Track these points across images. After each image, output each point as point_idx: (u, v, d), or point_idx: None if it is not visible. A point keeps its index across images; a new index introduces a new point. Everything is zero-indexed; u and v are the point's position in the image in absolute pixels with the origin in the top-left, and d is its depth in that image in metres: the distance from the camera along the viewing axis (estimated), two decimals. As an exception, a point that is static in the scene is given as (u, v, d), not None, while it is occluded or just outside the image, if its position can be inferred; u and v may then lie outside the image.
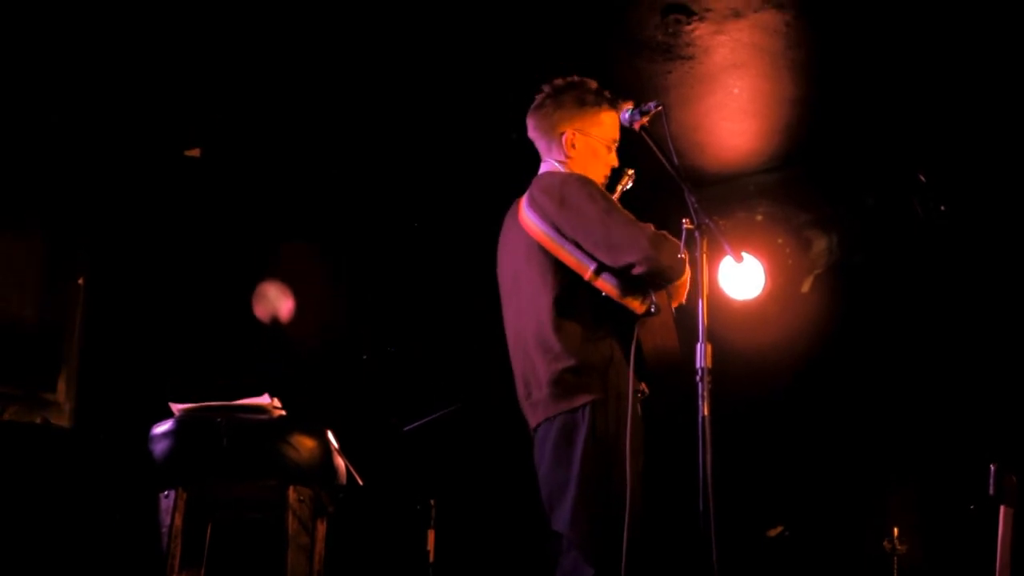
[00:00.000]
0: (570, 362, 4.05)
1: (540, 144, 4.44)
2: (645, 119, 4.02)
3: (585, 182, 4.17)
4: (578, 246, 4.08)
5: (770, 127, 6.52)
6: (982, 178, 6.59)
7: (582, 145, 4.32)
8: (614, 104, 4.29)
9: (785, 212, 7.20)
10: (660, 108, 4.00)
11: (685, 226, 3.85)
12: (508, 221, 4.43)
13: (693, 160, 6.83)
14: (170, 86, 5.88)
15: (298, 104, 6.17)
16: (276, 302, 6.62)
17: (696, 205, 3.81)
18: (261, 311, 6.57)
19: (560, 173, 4.29)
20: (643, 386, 4.15)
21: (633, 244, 3.96)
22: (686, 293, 4.22)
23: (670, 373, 4.13)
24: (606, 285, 4.06)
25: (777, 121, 6.43)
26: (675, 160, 3.98)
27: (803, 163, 6.95)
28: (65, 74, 5.69)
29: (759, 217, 7.23)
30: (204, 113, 6.17)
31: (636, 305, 4.06)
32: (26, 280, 5.86)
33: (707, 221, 3.79)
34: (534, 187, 4.27)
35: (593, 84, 4.34)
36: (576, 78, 4.38)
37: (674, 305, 4.23)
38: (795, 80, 5.96)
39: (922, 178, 6.67)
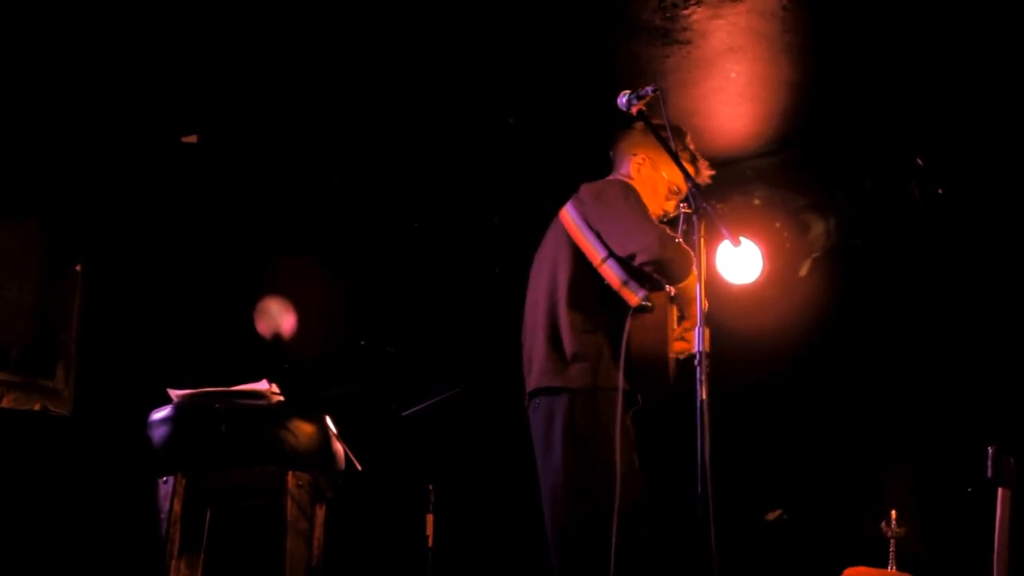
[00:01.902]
0: (565, 346, 4.18)
1: (615, 159, 4.62)
2: (642, 103, 4.04)
3: (626, 186, 4.35)
4: (599, 237, 4.21)
5: (767, 111, 6.51)
6: (979, 161, 6.59)
7: (647, 175, 4.49)
8: (695, 162, 4.41)
9: (783, 196, 7.20)
10: (657, 92, 4.01)
11: (683, 210, 3.91)
12: (553, 222, 4.54)
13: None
14: (167, 75, 5.86)
15: (296, 92, 6.16)
16: (278, 318, 6.62)
17: (694, 189, 3.83)
18: (263, 327, 6.57)
19: (613, 180, 4.48)
20: (638, 397, 4.23)
21: (642, 235, 4.08)
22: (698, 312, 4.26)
23: (654, 374, 4.16)
24: (609, 272, 4.16)
25: (774, 105, 6.42)
26: (672, 145, 4.01)
27: (801, 147, 6.95)
28: (62, 62, 5.68)
29: (757, 201, 7.23)
30: (201, 101, 6.17)
31: (630, 296, 4.11)
32: (24, 268, 5.86)
33: (705, 205, 3.81)
34: (584, 186, 4.42)
35: (687, 136, 4.45)
36: (676, 126, 4.40)
37: (685, 325, 4.26)
38: (792, 64, 5.95)
39: (919, 161, 6.67)
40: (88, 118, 6.07)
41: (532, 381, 4.28)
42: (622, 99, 4.06)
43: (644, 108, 4.05)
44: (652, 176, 4.48)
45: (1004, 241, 6.57)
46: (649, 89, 4.03)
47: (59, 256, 6.00)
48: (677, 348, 4.28)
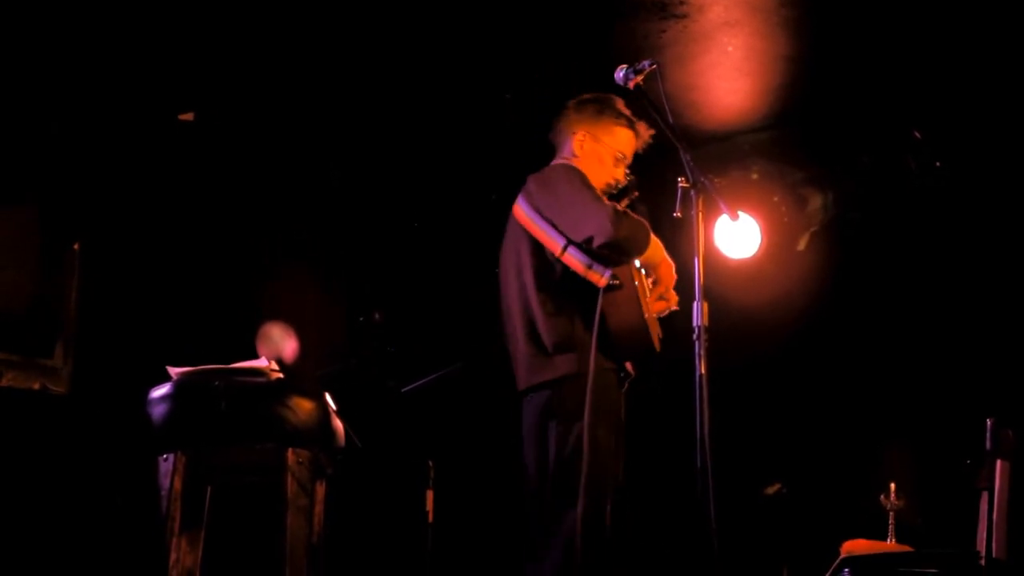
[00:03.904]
0: (544, 339, 4.24)
1: (557, 143, 4.64)
2: (640, 78, 4.04)
3: (570, 169, 4.38)
4: (554, 226, 4.24)
5: (764, 85, 6.51)
6: (977, 135, 6.59)
7: (590, 149, 4.52)
8: (632, 125, 4.51)
9: (780, 170, 7.20)
10: (655, 67, 4.01)
11: (681, 185, 3.89)
12: (509, 218, 4.56)
13: (688, 119, 6.81)
14: (166, 58, 5.86)
15: (296, 78, 6.15)
16: (280, 343, 6.60)
17: (691, 164, 3.84)
18: (265, 352, 6.55)
19: (556, 165, 4.49)
20: (628, 366, 4.25)
21: (592, 218, 4.11)
22: (672, 276, 4.31)
23: (639, 346, 4.20)
24: (572, 260, 4.21)
25: (772, 79, 6.41)
26: (670, 119, 4.02)
27: (798, 121, 6.95)
28: (59, 43, 5.67)
29: (754, 175, 7.24)
30: (198, 79, 6.16)
31: (597, 278, 4.14)
32: (22, 246, 5.85)
33: (703, 180, 3.82)
34: (530, 177, 4.45)
35: (619, 102, 4.52)
36: (603, 94, 4.55)
37: (659, 290, 4.31)
38: (789, 38, 5.94)
39: (917, 135, 6.66)
40: (86, 98, 6.05)
41: (521, 380, 4.34)
42: (619, 73, 4.06)
43: (641, 83, 4.05)
44: (596, 149, 4.52)
45: (1002, 215, 6.57)
46: (646, 63, 4.03)
47: (57, 234, 5.99)
48: (658, 308, 4.39)
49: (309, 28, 5.69)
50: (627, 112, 4.52)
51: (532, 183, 4.40)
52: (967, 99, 6.43)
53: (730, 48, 6.05)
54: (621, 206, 4.37)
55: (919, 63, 6.18)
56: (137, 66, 5.92)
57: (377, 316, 6.95)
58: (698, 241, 3.77)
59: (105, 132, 6.18)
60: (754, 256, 7.14)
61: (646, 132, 4.51)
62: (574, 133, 4.55)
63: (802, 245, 7.29)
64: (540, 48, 5.99)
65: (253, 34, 5.75)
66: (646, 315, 4.18)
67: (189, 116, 6.35)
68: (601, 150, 4.51)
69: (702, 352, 3.62)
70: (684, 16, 5.72)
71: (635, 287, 4.18)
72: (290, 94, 6.31)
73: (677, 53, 6.07)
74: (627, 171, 4.55)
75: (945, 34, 5.87)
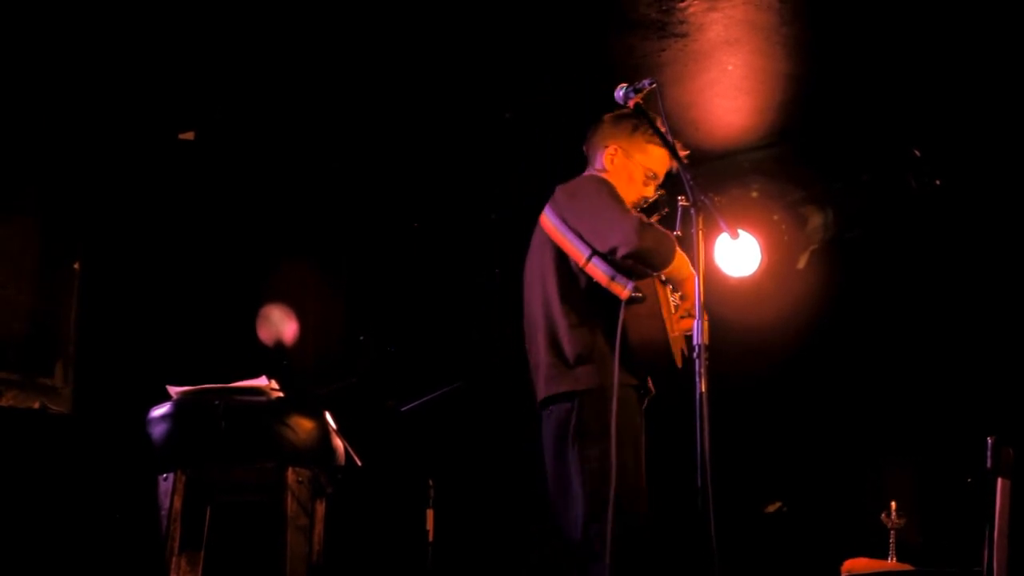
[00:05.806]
0: (566, 350, 4.18)
1: (589, 155, 4.58)
2: (639, 97, 4.04)
3: (601, 181, 4.32)
4: (580, 236, 4.20)
5: (764, 104, 6.51)
6: (976, 153, 6.59)
7: (621, 164, 4.45)
8: (668, 144, 4.32)
9: (780, 188, 7.20)
10: (655, 86, 4.01)
11: (681, 203, 3.91)
12: (536, 228, 4.53)
13: (688, 138, 6.78)
14: (165, 72, 5.87)
15: (295, 90, 6.16)
16: (280, 325, 6.60)
17: (691, 182, 3.84)
18: (265, 334, 6.54)
19: (585, 176, 4.46)
20: (649, 382, 4.22)
21: (618, 228, 4.07)
22: (694, 288, 4.24)
23: (660, 362, 4.17)
24: (596, 270, 4.16)
25: (771, 98, 6.42)
26: (670, 138, 4.02)
27: (798, 139, 6.95)
28: (60, 58, 5.68)
29: (754, 194, 7.23)
30: (198, 98, 6.16)
31: (620, 290, 4.11)
32: (22, 266, 5.85)
33: (703, 198, 3.82)
34: (558, 188, 4.40)
35: (657, 120, 4.30)
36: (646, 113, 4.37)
37: (686, 306, 4.26)
38: (789, 56, 5.95)
39: (917, 153, 6.67)
40: (86, 114, 6.06)
41: (540, 389, 4.28)
42: (619, 92, 4.06)
43: (641, 101, 4.05)
44: (626, 164, 4.44)
45: (1001, 233, 6.57)
46: (647, 82, 4.03)
47: (57, 253, 5.99)
48: (684, 326, 4.28)
49: (317, 37, 5.70)
50: (664, 129, 4.29)
51: (560, 193, 4.36)
52: (968, 117, 6.44)
53: (730, 67, 6.05)
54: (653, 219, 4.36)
55: (919, 81, 6.19)
56: (137, 82, 5.93)
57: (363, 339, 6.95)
58: (698, 259, 3.77)
59: (105, 150, 6.19)
60: (754, 274, 7.13)
61: (682, 152, 4.30)
62: (606, 147, 4.47)
63: (802, 263, 7.28)
64: (539, 67, 6.00)
65: (254, 45, 5.75)
66: (669, 332, 4.14)
67: (190, 135, 6.36)
68: (632, 166, 4.43)
69: (702, 370, 3.61)
70: (684, 35, 5.72)
71: (659, 302, 4.14)
72: (288, 98, 6.31)
73: (677, 72, 6.07)
74: (658, 188, 4.47)
75: (946, 52, 5.88)
